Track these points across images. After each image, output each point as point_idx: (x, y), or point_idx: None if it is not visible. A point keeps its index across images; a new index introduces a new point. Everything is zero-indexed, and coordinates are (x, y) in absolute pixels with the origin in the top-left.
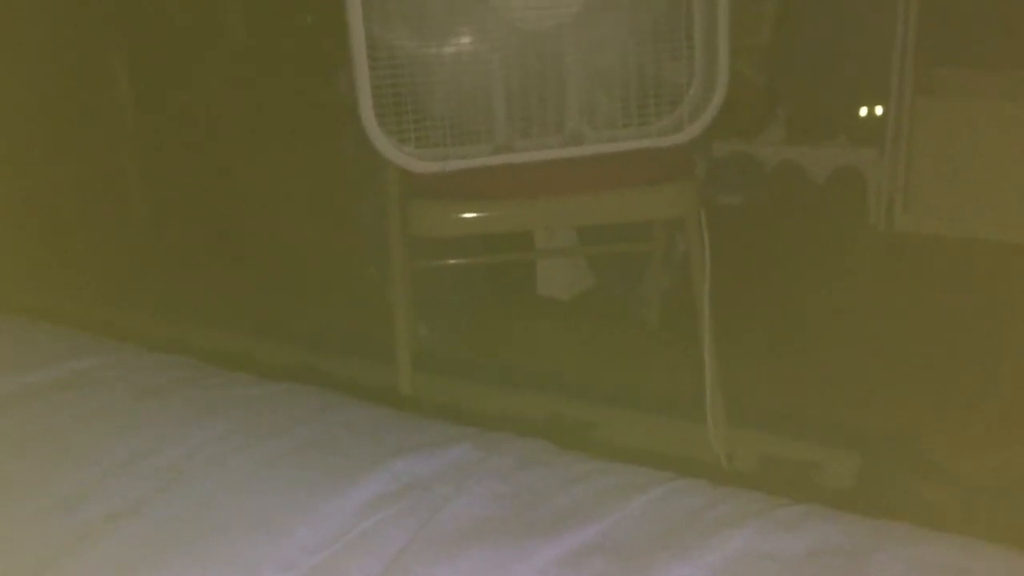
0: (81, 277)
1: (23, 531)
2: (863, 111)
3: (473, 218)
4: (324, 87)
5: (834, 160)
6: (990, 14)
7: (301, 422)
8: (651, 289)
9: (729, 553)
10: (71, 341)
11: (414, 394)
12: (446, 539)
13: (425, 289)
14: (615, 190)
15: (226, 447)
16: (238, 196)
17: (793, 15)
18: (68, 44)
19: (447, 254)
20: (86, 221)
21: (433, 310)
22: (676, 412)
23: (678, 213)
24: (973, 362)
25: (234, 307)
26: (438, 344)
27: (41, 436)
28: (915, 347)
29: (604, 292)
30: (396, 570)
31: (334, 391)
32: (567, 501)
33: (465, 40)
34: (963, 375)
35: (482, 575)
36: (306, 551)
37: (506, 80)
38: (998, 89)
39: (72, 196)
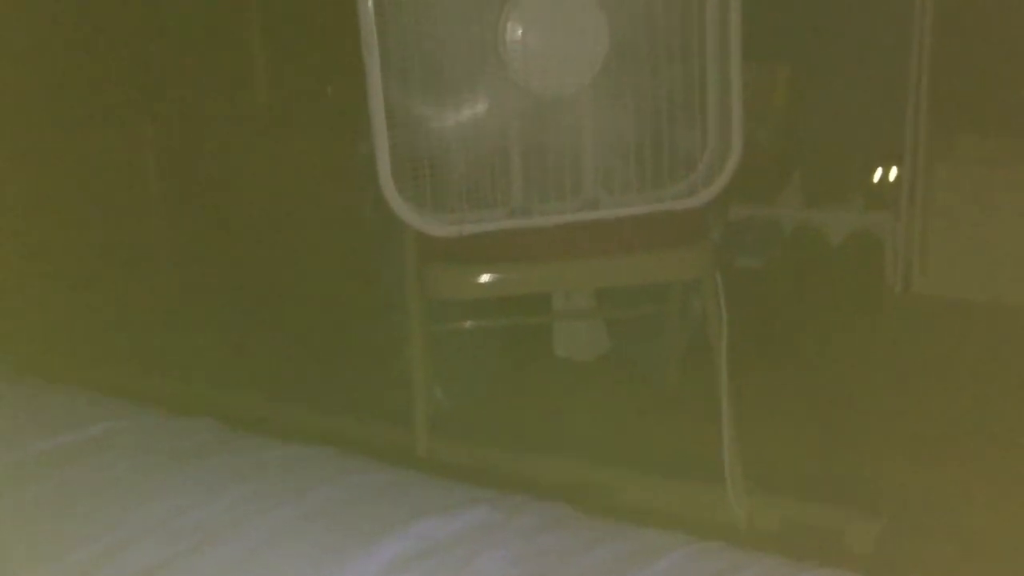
0: (104, 340)
1: None
2: (878, 174)
3: (490, 281)
4: (344, 152)
5: (851, 223)
6: (1002, 80)
7: (322, 485)
8: (668, 351)
9: None
10: (94, 405)
11: (431, 457)
12: None
13: (442, 352)
14: (631, 253)
15: (249, 510)
16: (260, 259)
17: (806, 79)
18: (95, 112)
19: (464, 317)
20: (110, 285)
21: (450, 373)
22: (695, 475)
23: (693, 275)
24: (992, 426)
25: (254, 369)
26: (455, 407)
27: (65, 501)
28: (935, 410)
29: (622, 354)
30: None
31: (353, 454)
32: (588, 564)
33: (483, 106)
34: (983, 439)
35: None
36: None
37: (523, 145)
38: (1011, 154)
39: (97, 261)
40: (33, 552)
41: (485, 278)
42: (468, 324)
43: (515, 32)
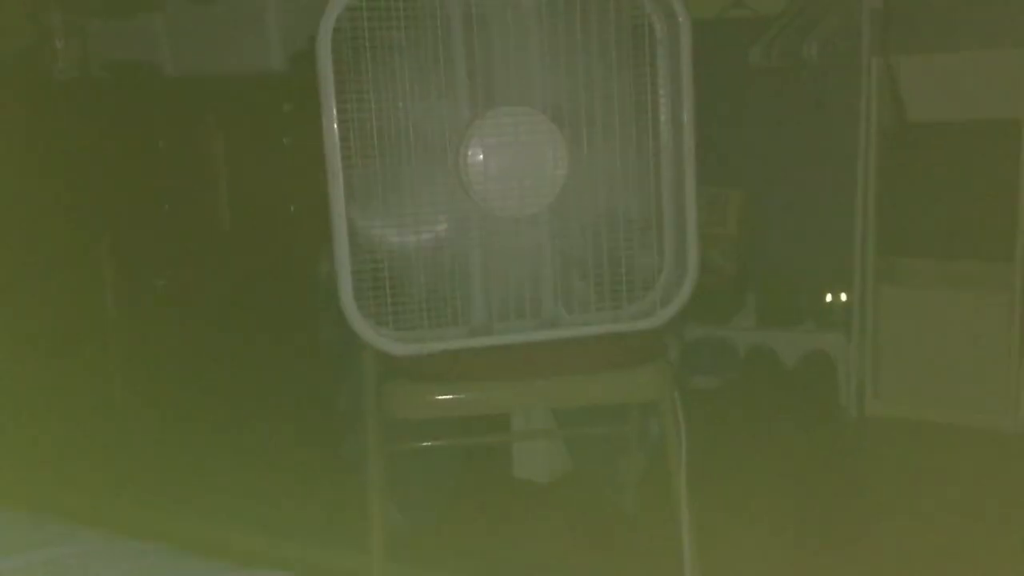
0: (53, 464)
1: None
2: (829, 297)
3: (450, 400)
4: (305, 272)
5: (804, 344)
6: (944, 207)
7: None
8: (628, 472)
9: None
10: (42, 529)
11: None
12: None
13: (400, 471)
14: (590, 373)
15: None
16: (216, 380)
17: (758, 206)
18: (50, 229)
19: (423, 436)
20: (63, 406)
21: (408, 493)
22: None
23: (652, 396)
24: (948, 547)
25: (208, 492)
26: (412, 529)
27: None
28: (891, 531)
29: (581, 475)
30: None
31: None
32: None
33: (444, 226)
34: (938, 560)
35: None
36: None
37: (484, 265)
38: (954, 277)
39: (49, 380)
40: None
41: (444, 397)
42: (426, 444)
43: (476, 156)
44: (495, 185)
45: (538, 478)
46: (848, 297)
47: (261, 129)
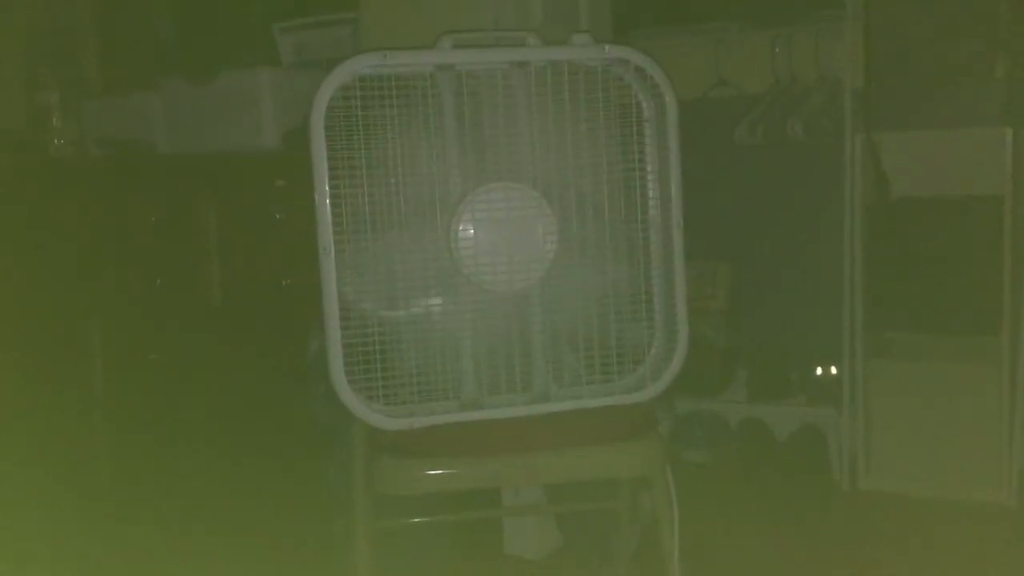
0: (36, 546)
1: None
2: (819, 371)
3: (439, 475)
4: (296, 347)
5: (796, 419)
6: (930, 281)
7: None
8: (620, 548)
9: None
10: None
11: None
12: None
13: (389, 548)
14: (581, 447)
15: None
16: (205, 459)
17: (747, 280)
18: (37, 304)
19: (412, 512)
20: (46, 488)
21: (397, 569)
22: None
23: (644, 471)
24: None
25: (195, 566)
26: None
27: None
28: None
29: (573, 551)
30: None
31: None
32: None
33: (434, 301)
34: None
35: None
36: None
37: (474, 339)
38: (943, 351)
39: (33, 459)
40: None
41: (434, 473)
42: (416, 520)
43: (467, 231)
44: (486, 260)
45: (529, 554)
46: (838, 371)
47: (254, 205)
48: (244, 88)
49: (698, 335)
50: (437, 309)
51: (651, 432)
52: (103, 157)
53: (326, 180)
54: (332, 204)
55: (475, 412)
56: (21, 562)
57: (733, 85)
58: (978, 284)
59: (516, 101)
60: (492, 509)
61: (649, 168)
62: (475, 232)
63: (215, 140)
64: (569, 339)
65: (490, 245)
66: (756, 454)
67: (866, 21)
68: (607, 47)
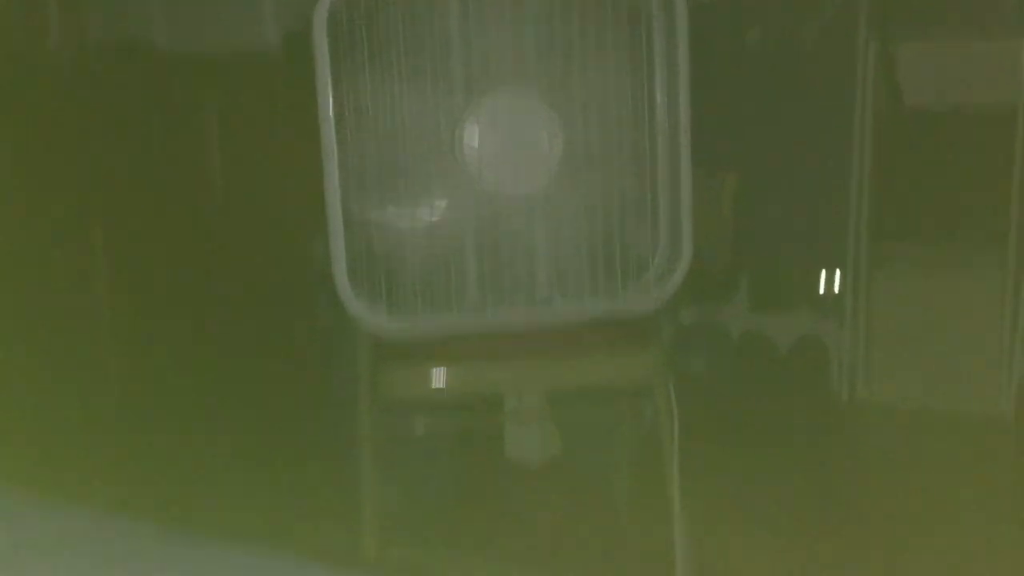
0: (44, 453)
1: None
2: (822, 282)
3: (443, 382)
4: (299, 253)
5: (797, 330)
6: (939, 191)
7: None
8: (619, 455)
9: None
10: (27, 506)
11: (380, 561)
12: None
13: (393, 453)
14: (583, 356)
15: None
16: (209, 363)
17: (752, 190)
18: (41, 208)
19: (416, 418)
20: (53, 389)
21: (400, 475)
22: None
23: (645, 380)
24: (939, 535)
25: (200, 472)
26: (404, 510)
27: None
28: (882, 518)
29: (573, 458)
30: None
31: (299, 560)
32: None
33: (439, 208)
34: (929, 547)
35: None
36: None
37: (478, 246)
38: (948, 262)
39: (40, 365)
40: None
41: (438, 379)
42: (419, 425)
43: (472, 137)
44: (490, 167)
45: (530, 460)
46: (842, 282)
47: (255, 106)
48: None
49: (702, 245)
50: (441, 215)
51: (653, 341)
52: (99, 55)
53: (329, 82)
54: (335, 107)
55: (478, 319)
56: (33, 476)
57: None
58: (987, 197)
59: (522, 5)
60: (494, 415)
61: (657, 73)
62: (479, 139)
63: (216, 41)
64: (573, 247)
65: (494, 152)
66: (757, 365)
67: None
68: None
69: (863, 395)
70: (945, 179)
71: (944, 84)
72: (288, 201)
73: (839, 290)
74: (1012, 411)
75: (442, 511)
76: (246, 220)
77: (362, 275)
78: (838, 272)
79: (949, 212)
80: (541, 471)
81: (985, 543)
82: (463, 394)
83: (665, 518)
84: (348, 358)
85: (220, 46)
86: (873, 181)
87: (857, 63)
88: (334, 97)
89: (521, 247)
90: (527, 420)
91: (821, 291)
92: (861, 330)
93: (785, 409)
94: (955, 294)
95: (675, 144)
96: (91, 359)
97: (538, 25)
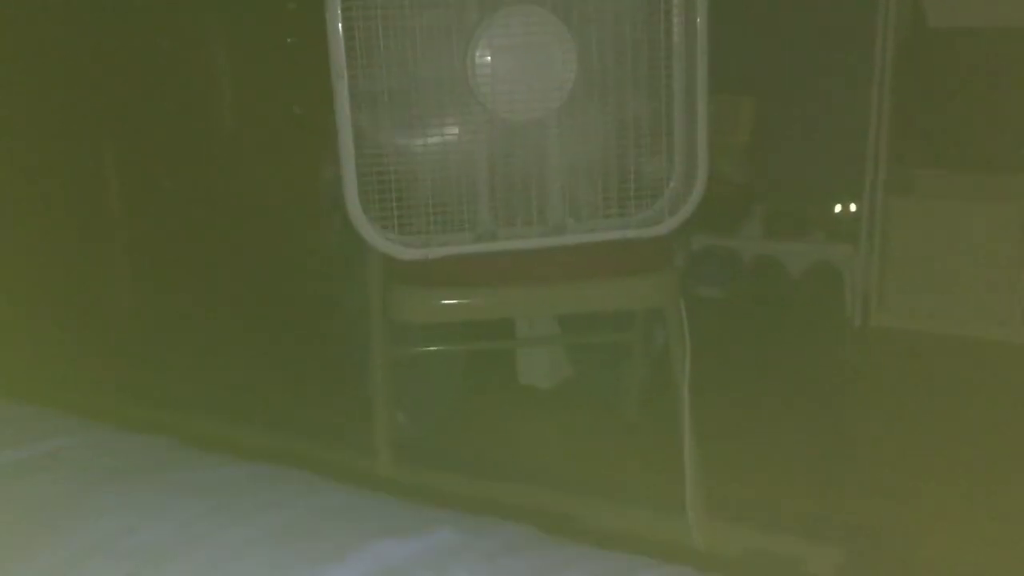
0: (63, 359)
1: None
2: (838, 208)
3: (454, 305)
4: (310, 175)
5: (811, 256)
6: (959, 115)
7: (280, 504)
8: (631, 380)
9: None
10: (41, 420)
11: (392, 480)
12: None
13: (405, 376)
14: (595, 280)
15: (202, 529)
16: (221, 282)
17: (770, 115)
18: (55, 132)
19: (427, 341)
20: (70, 304)
21: (412, 397)
22: (656, 504)
23: (658, 304)
24: (950, 457)
25: (215, 391)
26: (417, 432)
27: (7, 518)
28: (894, 442)
29: (584, 382)
30: None
31: (313, 474)
32: None
33: (451, 130)
34: (941, 470)
35: None
36: None
37: (490, 170)
38: (967, 189)
39: (57, 279)
40: None
41: (449, 302)
42: (431, 349)
43: (484, 58)
44: (503, 88)
45: (541, 384)
46: (858, 208)
47: (265, 28)
48: None
49: (717, 170)
50: (453, 138)
51: (666, 265)
52: None
53: (339, 2)
54: (344, 28)
55: (490, 243)
56: (44, 380)
57: None
58: (1006, 122)
59: None
60: (506, 339)
61: None
62: (492, 58)
63: None
64: (586, 171)
65: (507, 72)
66: (769, 291)
67: None
68: None
69: (874, 320)
70: (965, 103)
71: (968, 5)
72: (298, 122)
73: (854, 216)
74: (1022, 335)
75: (452, 432)
76: (256, 141)
77: (373, 198)
78: (854, 197)
79: (968, 138)
80: (552, 394)
81: (994, 460)
82: (474, 317)
83: (674, 440)
84: (359, 282)
85: None
86: (893, 104)
87: None
88: (344, 16)
89: (534, 170)
90: (538, 344)
91: (836, 217)
92: (875, 255)
93: (797, 334)
94: (970, 219)
95: (692, 66)
96: (106, 274)
97: None
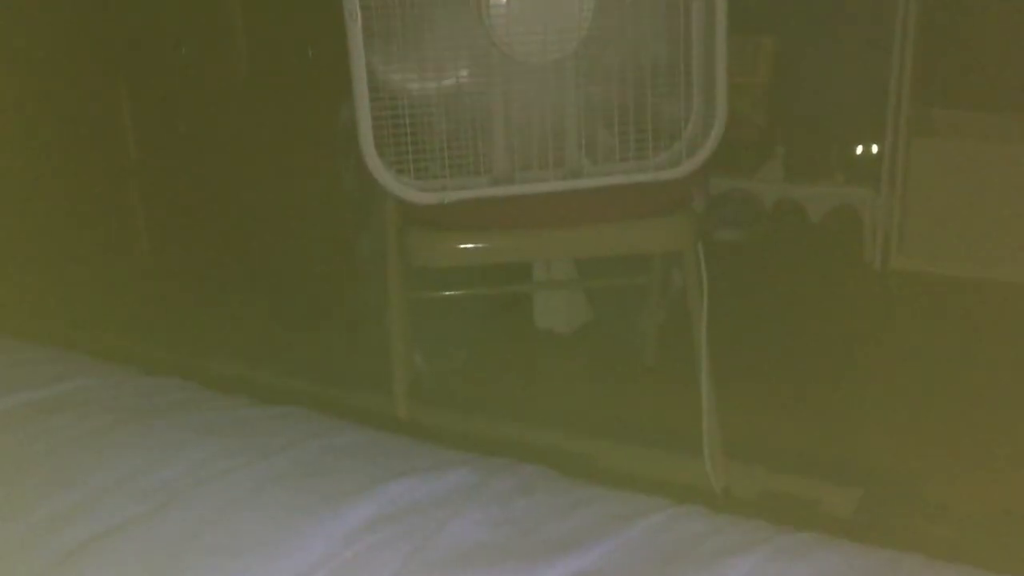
0: (79, 305)
1: (9, 552)
2: (859, 150)
3: (471, 249)
4: (325, 119)
5: (831, 198)
6: (985, 56)
7: (297, 444)
8: (648, 323)
9: None
10: (61, 362)
11: (409, 422)
12: (441, 564)
13: (422, 320)
14: (613, 223)
15: (219, 468)
16: (238, 226)
17: (790, 55)
18: (70, 77)
19: (445, 285)
20: (86, 251)
21: (430, 341)
22: (673, 446)
23: (676, 247)
24: (970, 400)
25: (232, 335)
26: (435, 376)
27: (29, 457)
28: (912, 384)
29: (602, 326)
30: None
31: (329, 415)
32: (567, 527)
33: (466, 73)
34: (960, 413)
35: None
36: (299, 574)
37: (506, 113)
38: (992, 130)
39: (72, 224)
40: None
41: (466, 246)
42: (448, 293)
43: None
44: (519, 29)
45: (559, 328)
46: (879, 150)
47: None
48: None
49: (736, 111)
50: (468, 80)
51: (684, 208)
52: None
53: None
54: None
55: (507, 187)
56: (60, 323)
57: None
58: None
59: None
60: (523, 283)
61: None
62: None
63: None
64: (604, 114)
65: (523, 13)
66: (789, 234)
67: None
68: None
69: (894, 262)
70: (989, 43)
71: None
72: (312, 65)
73: (875, 157)
74: None
75: (470, 376)
76: (270, 85)
77: (388, 141)
78: (875, 139)
79: (991, 78)
80: (570, 338)
81: (1018, 406)
82: (491, 261)
83: (692, 383)
84: (375, 225)
85: None
86: (916, 44)
87: None
88: None
89: (550, 113)
90: (556, 288)
91: (857, 159)
92: (896, 197)
93: (816, 276)
94: (993, 161)
95: (711, 5)
96: (122, 219)
97: None
